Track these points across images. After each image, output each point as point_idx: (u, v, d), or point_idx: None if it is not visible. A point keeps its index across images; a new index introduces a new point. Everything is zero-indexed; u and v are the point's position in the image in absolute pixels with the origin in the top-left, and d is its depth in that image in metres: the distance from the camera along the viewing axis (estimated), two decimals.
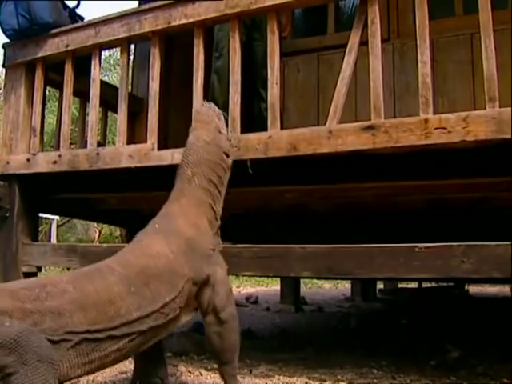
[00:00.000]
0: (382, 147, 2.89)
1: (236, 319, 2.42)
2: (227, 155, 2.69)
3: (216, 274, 2.39)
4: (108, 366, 2.03)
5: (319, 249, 2.99)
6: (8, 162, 4.13)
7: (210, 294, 2.35)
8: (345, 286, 13.35)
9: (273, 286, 13.27)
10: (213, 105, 2.84)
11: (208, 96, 4.01)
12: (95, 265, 2.11)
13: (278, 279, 11.00)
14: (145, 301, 2.01)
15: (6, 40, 4.32)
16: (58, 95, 4.81)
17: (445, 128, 2.75)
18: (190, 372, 3.19)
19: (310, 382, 3.02)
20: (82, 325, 1.80)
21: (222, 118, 2.81)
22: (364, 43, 3.11)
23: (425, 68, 2.87)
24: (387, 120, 2.92)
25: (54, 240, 14.34)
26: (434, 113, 2.83)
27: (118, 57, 20.51)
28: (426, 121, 2.79)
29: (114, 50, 17.75)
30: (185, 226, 2.40)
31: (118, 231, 16.43)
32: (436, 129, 2.76)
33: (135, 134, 4.68)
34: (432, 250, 2.73)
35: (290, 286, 8.11)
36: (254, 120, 4.03)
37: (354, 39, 3.11)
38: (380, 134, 2.88)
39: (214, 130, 2.67)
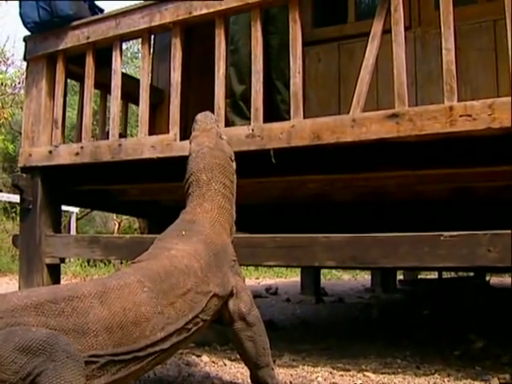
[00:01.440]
0: (407, 135, 2.87)
1: (261, 322, 2.44)
2: (232, 160, 2.68)
3: (238, 283, 2.41)
4: (128, 381, 2.02)
5: (343, 238, 2.97)
6: (30, 155, 4.15)
7: (234, 302, 2.37)
8: (364, 277, 13.32)
9: (292, 278, 13.28)
10: (210, 113, 2.82)
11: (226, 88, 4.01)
12: (125, 275, 2.02)
13: (297, 270, 11.00)
14: (169, 320, 1.98)
15: (27, 33, 4.34)
16: (76, 89, 4.82)
17: (470, 115, 2.73)
18: (213, 362, 3.19)
19: (335, 371, 3.01)
20: (107, 346, 1.75)
21: (220, 125, 2.79)
22: (386, 31, 3.09)
23: (449, 55, 2.84)
24: (411, 108, 2.90)
25: (73, 233, 14.39)
26: (459, 100, 2.80)
27: (136, 50, 20.58)
28: (451, 108, 2.77)
29: (131, 43, 17.83)
30: (212, 236, 2.37)
31: (136, 224, 16.46)
32: (461, 116, 2.74)
33: (156, 125, 4.68)
34: (457, 239, 2.71)
35: (311, 277, 8.08)
36: (271, 112, 4.02)
37: (377, 27, 3.08)
38: (404, 122, 2.86)
39: (215, 136, 2.64)
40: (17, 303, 1.67)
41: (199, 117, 2.78)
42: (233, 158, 2.69)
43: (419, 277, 12.19)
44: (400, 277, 11.43)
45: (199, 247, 2.28)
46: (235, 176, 2.67)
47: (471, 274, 10.34)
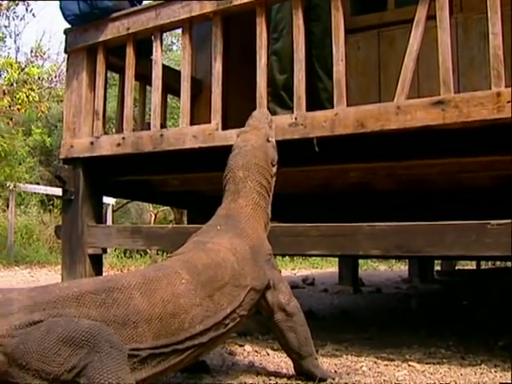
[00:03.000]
0: (453, 122, 2.83)
1: (301, 312, 2.46)
2: (273, 164, 2.69)
3: (274, 275, 2.44)
4: (168, 373, 2.03)
5: (388, 227, 2.95)
6: (72, 146, 4.19)
7: (272, 294, 2.39)
8: (400, 268, 13.23)
9: (327, 268, 13.25)
10: (267, 112, 2.81)
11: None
12: (164, 267, 2.06)
13: (332, 261, 10.96)
14: (207, 313, 2.00)
15: (64, 27, 4.38)
16: (110, 82, 4.82)
17: None
18: (256, 352, 3.20)
19: (379, 361, 3.00)
20: (146, 338, 1.77)
21: (274, 126, 2.80)
22: (428, 18, 3.05)
23: (496, 40, 2.79)
24: (457, 94, 2.85)
25: (109, 224, 14.55)
26: (506, 86, 2.75)
27: (169, 42, 20.68)
28: (499, 94, 2.72)
29: (165, 35, 17.92)
30: (248, 230, 2.41)
31: (171, 215, 16.61)
32: (509, 102, 2.69)
33: (194, 116, 4.68)
34: (505, 227, 2.66)
35: (349, 267, 8.03)
36: (311, 100, 3.99)
37: (421, 13, 3.03)
38: (450, 109, 2.82)
39: (263, 136, 2.67)
40: (58, 294, 1.70)
41: (255, 113, 2.82)
42: (274, 162, 2.71)
43: (457, 267, 12.06)
44: (437, 267, 11.34)
45: (235, 241, 2.31)
46: (274, 179, 2.70)
47: (509, 264, 10.23)
